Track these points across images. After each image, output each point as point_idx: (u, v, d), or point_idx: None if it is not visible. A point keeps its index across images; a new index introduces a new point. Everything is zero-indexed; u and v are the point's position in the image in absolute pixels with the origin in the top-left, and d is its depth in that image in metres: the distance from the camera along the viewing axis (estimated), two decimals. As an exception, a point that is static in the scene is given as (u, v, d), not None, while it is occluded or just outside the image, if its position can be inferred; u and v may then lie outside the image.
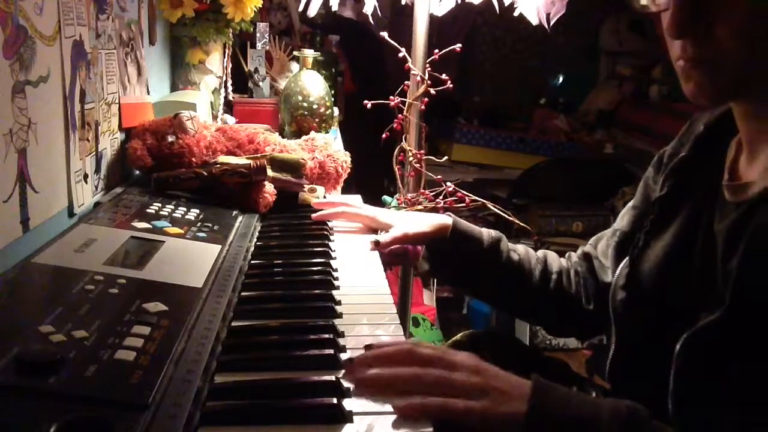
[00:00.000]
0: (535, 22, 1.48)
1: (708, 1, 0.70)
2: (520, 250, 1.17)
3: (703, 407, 0.74)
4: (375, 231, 1.28)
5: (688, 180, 0.90)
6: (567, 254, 1.20)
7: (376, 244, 1.16)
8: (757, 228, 0.73)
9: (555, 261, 1.17)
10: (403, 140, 1.50)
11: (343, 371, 0.74)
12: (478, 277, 1.17)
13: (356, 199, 1.45)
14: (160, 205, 1.18)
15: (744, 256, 0.72)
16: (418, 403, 0.68)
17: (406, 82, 1.48)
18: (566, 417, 0.68)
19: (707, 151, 0.89)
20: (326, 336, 0.82)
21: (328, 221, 1.30)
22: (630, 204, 1.07)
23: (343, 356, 0.78)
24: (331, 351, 0.77)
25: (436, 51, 1.46)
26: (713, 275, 0.79)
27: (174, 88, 1.87)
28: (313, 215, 1.30)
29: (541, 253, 1.18)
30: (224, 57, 1.93)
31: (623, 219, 1.07)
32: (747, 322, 0.71)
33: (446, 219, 1.17)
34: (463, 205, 1.44)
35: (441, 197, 1.44)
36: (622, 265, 0.95)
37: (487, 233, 1.16)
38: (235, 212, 1.25)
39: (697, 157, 0.90)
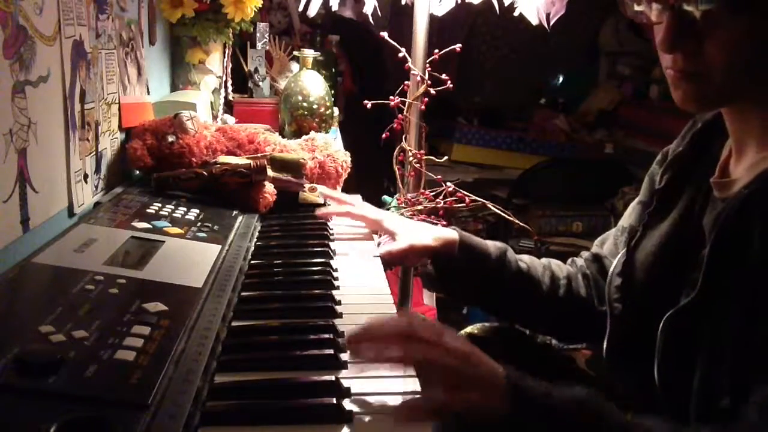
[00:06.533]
0: (535, 22, 1.48)
1: (698, 19, 0.75)
2: (525, 259, 1.16)
3: (684, 379, 0.80)
4: (375, 233, 1.28)
5: (684, 174, 0.95)
6: (570, 260, 1.20)
7: (382, 260, 1.14)
8: (723, 221, 0.79)
9: (561, 267, 1.17)
10: (403, 140, 1.50)
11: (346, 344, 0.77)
12: (489, 289, 1.15)
13: (356, 199, 1.44)
14: (160, 205, 1.18)
15: (712, 246, 0.79)
16: (409, 408, 0.70)
17: (406, 82, 1.48)
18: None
19: (703, 148, 0.94)
20: (326, 336, 0.82)
21: (329, 221, 1.30)
22: (636, 200, 1.10)
23: (343, 356, 0.78)
24: (331, 351, 0.78)
25: (436, 51, 1.46)
26: (696, 264, 0.84)
27: (174, 88, 1.87)
28: (318, 211, 1.29)
29: (545, 260, 1.18)
30: (224, 57, 1.93)
31: (631, 216, 1.09)
32: (715, 303, 0.77)
33: (452, 233, 1.14)
34: (463, 205, 1.44)
35: (441, 197, 1.44)
36: (620, 254, 1.00)
37: (492, 245, 1.15)
38: (235, 212, 1.25)
39: (694, 153, 0.95)
